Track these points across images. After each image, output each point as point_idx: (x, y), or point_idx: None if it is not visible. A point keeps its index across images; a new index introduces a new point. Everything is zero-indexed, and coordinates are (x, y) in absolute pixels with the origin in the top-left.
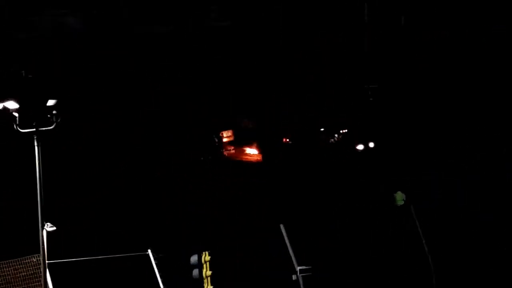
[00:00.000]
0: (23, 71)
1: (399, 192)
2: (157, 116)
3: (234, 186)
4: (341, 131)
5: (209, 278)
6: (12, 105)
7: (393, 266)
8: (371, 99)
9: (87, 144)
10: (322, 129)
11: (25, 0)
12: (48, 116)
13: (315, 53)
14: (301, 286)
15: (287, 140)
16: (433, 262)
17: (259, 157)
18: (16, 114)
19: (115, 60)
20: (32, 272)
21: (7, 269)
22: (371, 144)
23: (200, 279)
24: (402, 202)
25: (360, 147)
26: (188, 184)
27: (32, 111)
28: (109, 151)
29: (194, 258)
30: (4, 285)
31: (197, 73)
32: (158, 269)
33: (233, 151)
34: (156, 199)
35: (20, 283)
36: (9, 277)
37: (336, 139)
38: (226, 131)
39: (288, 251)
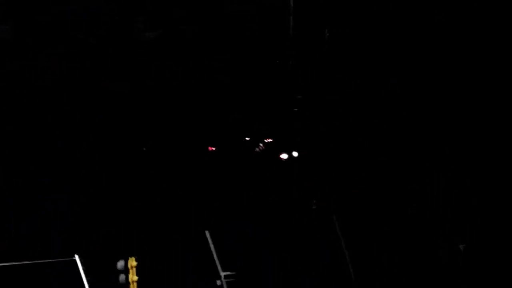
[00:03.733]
0: None
1: None
2: None
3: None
4: (265, 140)
5: (135, 283)
6: None
7: (313, 268)
8: (295, 109)
9: None
10: (247, 138)
11: None
12: None
13: (238, 63)
14: None
15: (212, 148)
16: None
17: None
18: None
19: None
20: None
21: None
22: (295, 154)
23: (127, 284)
24: None
25: (284, 156)
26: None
27: None
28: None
29: (120, 264)
30: None
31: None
32: (85, 274)
33: None
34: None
35: None
36: None
37: (260, 148)
38: None
39: (213, 257)
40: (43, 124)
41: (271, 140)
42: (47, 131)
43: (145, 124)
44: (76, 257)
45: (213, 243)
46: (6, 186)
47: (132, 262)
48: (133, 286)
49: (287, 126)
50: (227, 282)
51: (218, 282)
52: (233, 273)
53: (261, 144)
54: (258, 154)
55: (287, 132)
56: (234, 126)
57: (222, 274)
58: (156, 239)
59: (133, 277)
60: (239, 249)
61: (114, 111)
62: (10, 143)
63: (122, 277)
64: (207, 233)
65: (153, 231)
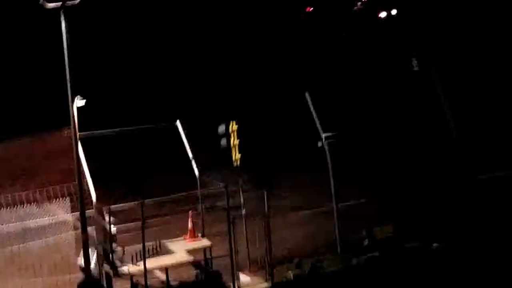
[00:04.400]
0: None
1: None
2: None
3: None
4: None
5: (236, 147)
6: None
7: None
8: None
9: (113, 21)
10: None
11: None
12: None
13: None
14: (327, 152)
15: (310, 8)
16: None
17: None
18: None
19: None
20: (64, 144)
21: (38, 142)
22: (394, 12)
23: (228, 148)
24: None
25: (383, 14)
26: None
27: None
28: (135, 27)
29: (221, 128)
30: (36, 159)
31: None
32: (187, 139)
33: None
34: (181, 70)
35: (52, 154)
36: (40, 148)
37: (359, 6)
38: None
39: (314, 119)
40: None
41: None
42: None
43: None
44: (178, 123)
45: (313, 106)
46: None
47: (233, 126)
48: (235, 150)
49: None
50: (328, 143)
51: (319, 144)
52: (334, 133)
53: (359, 3)
54: (356, 13)
55: None
56: None
57: (323, 135)
58: (256, 103)
59: (234, 141)
60: (340, 110)
61: None
62: None
63: (223, 141)
64: (307, 95)
65: (253, 94)
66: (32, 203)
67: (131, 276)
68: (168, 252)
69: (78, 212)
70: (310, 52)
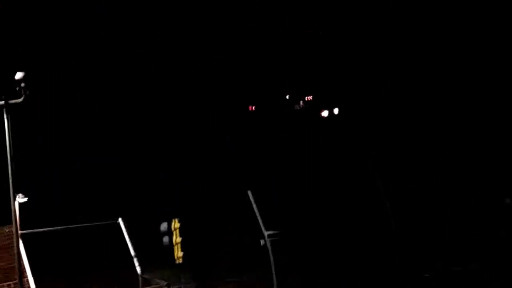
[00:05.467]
0: None
1: None
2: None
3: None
4: (306, 98)
5: (179, 245)
6: None
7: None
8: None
9: (57, 117)
10: (287, 96)
11: None
12: (17, 88)
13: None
14: (270, 250)
15: (252, 108)
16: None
17: None
18: None
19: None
20: (5, 242)
21: None
22: (336, 111)
23: (171, 245)
24: None
25: (325, 113)
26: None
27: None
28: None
29: (164, 226)
30: None
31: None
32: (129, 237)
33: None
34: (125, 169)
35: None
36: None
37: (301, 106)
38: None
39: (256, 217)
40: None
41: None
42: None
43: None
44: (120, 220)
45: (255, 204)
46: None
47: (175, 224)
48: (177, 248)
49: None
50: (270, 242)
51: (262, 242)
52: (277, 231)
53: (301, 102)
54: (298, 112)
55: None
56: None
57: (266, 233)
58: (199, 201)
59: (176, 239)
60: (282, 208)
61: None
62: None
63: (166, 238)
64: (250, 193)
65: (196, 193)
66: None
67: None
68: None
69: None
70: (251, 152)
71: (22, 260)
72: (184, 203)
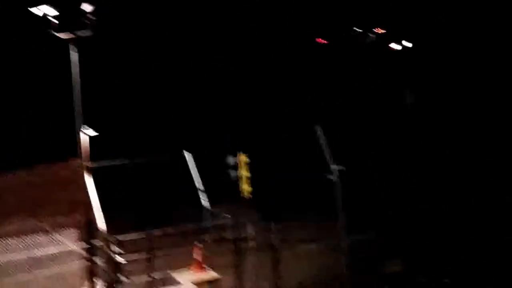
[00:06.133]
0: None
1: None
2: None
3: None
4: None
5: (247, 179)
6: (48, 10)
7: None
8: None
9: (125, 51)
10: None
11: None
12: (86, 22)
13: None
14: (338, 185)
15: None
16: None
17: None
18: (52, 19)
19: None
20: (73, 175)
21: (47, 171)
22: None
23: (238, 179)
24: None
25: (397, 46)
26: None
27: (69, 16)
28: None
29: (231, 160)
30: (45, 186)
31: None
32: (194, 169)
33: None
34: (191, 101)
35: (61, 184)
36: (50, 178)
37: (371, 38)
38: None
39: (324, 152)
40: None
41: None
42: None
43: None
44: (185, 153)
45: (323, 139)
46: None
47: (244, 158)
48: (246, 182)
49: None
50: (338, 176)
51: (329, 177)
52: (344, 168)
53: (372, 34)
54: (369, 45)
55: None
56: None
57: (333, 168)
58: (267, 136)
59: (244, 172)
60: (350, 145)
61: None
62: None
63: (233, 172)
64: (318, 128)
65: (264, 128)
66: (40, 233)
67: None
68: (174, 283)
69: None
70: (319, 85)
71: (90, 193)
72: (252, 138)
